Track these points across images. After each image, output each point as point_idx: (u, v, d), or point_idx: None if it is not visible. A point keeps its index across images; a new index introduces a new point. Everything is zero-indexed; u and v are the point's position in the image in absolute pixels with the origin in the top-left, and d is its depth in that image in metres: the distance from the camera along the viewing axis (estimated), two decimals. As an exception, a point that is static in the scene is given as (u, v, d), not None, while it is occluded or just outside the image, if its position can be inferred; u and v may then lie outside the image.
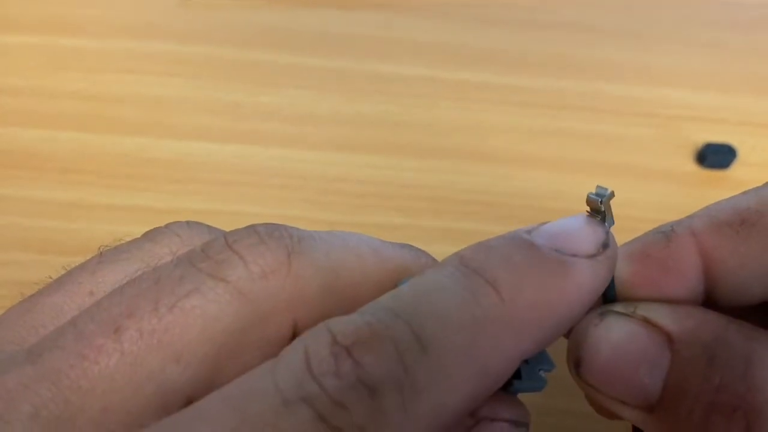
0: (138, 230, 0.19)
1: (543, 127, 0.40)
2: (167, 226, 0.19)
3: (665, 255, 0.18)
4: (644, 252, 0.18)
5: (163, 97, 0.41)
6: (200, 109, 0.40)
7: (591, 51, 0.44)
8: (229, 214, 0.36)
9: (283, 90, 0.41)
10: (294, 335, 0.16)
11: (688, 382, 0.16)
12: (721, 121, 0.41)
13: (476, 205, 0.37)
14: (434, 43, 0.44)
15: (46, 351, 0.14)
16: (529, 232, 0.16)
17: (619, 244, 0.17)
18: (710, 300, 0.18)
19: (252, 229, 0.16)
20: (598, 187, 0.17)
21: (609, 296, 0.18)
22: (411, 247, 0.19)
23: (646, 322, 0.17)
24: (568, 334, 0.18)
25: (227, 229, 0.17)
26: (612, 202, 0.17)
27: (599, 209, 0.17)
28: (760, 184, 0.19)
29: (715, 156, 0.39)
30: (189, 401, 0.14)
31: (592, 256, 0.16)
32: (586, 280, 0.16)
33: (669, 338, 0.16)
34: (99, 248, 0.19)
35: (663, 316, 0.17)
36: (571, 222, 0.17)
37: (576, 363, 0.17)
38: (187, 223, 0.19)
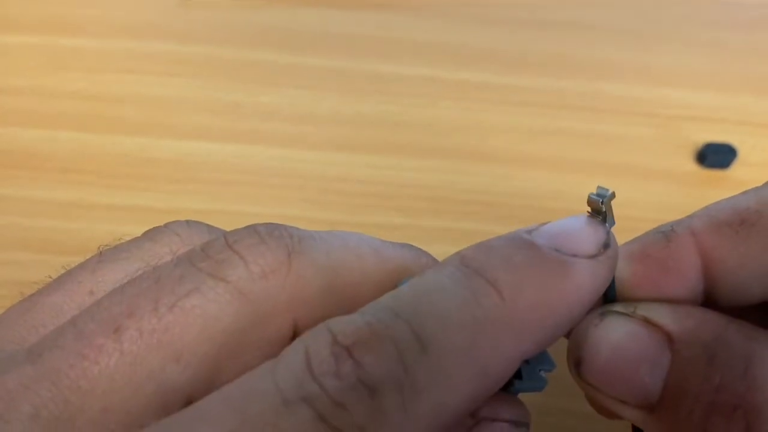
0: (138, 230, 0.19)
1: (543, 127, 0.40)
2: (167, 225, 0.19)
3: (665, 255, 0.18)
4: (644, 252, 0.18)
5: (163, 97, 0.41)
6: (200, 109, 0.40)
7: (591, 51, 0.44)
8: (229, 214, 0.36)
9: (283, 90, 0.41)
10: (294, 335, 0.16)
11: (689, 382, 0.16)
12: (721, 121, 0.41)
13: (476, 205, 0.37)
14: (434, 43, 0.44)
15: (46, 351, 0.14)
16: (529, 232, 0.16)
17: (618, 244, 0.17)
18: (710, 300, 0.18)
19: (252, 228, 0.16)
20: (599, 187, 0.17)
21: (609, 296, 0.18)
22: (411, 246, 0.19)
23: (647, 322, 0.17)
24: (568, 334, 0.18)
25: (227, 229, 0.17)
26: (612, 203, 0.17)
27: (600, 210, 0.17)
28: (760, 183, 0.19)
29: (715, 156, 0.39)
30: (189, 401, 0.14)
31: (592, 257, 0.16)
32: (587, 280, 0.16)
33: (669, 338, 0.16)
34: (99, 247, 0.19)
35: (663, 315, 0.17)
36: (571, 222, 0.17)
37: (576, 363, 0.17)
38: (187, 222, 0.19)
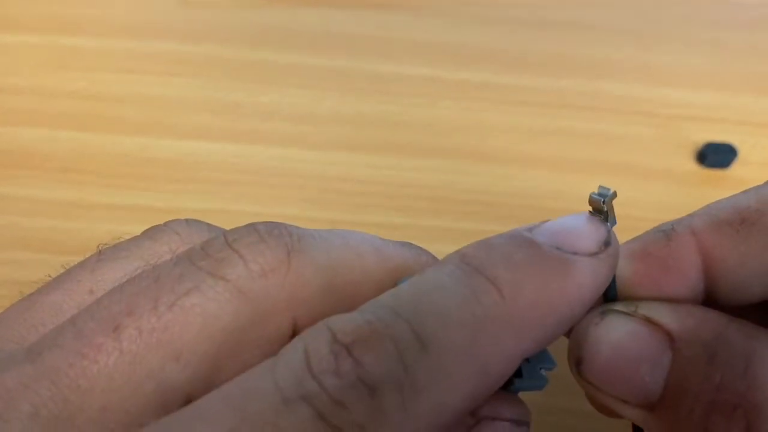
0: (138, 230, 0.19)
1: (543, 127, 0.40)
2: (166, 224, 0.19)
3: (666, 254, 0.18)
4: (645, 251, 0.18)
5: (163, 97, 0.41)
6: (200, 109, 0.40)
7: (591, 50, 0.44)
8: (229, 213, 0.36)
9: (283, 90, 0.41)
10: (294, 334, 0.16)
11: (689, 381, 0.16)
12: (721, 121, 0.41)
13: (476, 205, 0.37)
14: (434, 43, 0.44)
15: (46, 350, 0.14)
16: (530, 230, 0.16)
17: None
18: (710, 299, 0.18)
19: (252, 227, 0.16)
20: (600, 187, 0.17)
21: (610, 295, 0.18)
22: (411, 245, 0.19)
23: (647, 320, 0.17)
24: (568, 333, 0.18)
25: (227, 228, 0.17)
26: (613, 202, 0.17)
27: (602, 209, 0.17)
28: (760, 183, 0.19)
29: (716, 155, 0.39)
30: (188, 400, 0.14)
31: (593, 255, 0.16)
32: (587, 278, 0.16)
33: (670, 337, 0.16)
34: (98, 246, 0.19)
35: (664, 314, 0.17)
36: (572, 220, 0.17)
37: (577, 362, 0.17)
38: (187, 221, 0.19)
